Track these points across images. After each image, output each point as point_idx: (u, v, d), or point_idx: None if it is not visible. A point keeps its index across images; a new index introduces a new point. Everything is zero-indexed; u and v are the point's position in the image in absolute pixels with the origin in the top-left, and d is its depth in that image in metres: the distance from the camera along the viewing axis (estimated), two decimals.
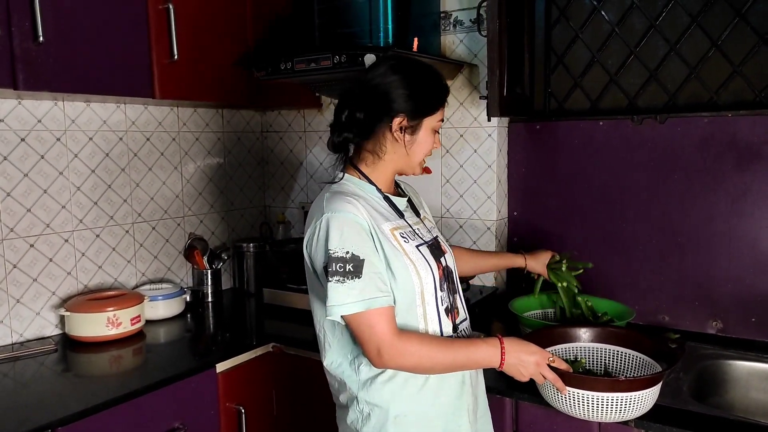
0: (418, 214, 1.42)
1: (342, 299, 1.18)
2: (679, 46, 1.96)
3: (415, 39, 1.98)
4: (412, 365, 1.21)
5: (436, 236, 1.40)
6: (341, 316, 1.20)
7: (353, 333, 1.23)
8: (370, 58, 1.77)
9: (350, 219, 1.21)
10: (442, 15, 2.20)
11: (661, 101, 2.02)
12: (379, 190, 1.33)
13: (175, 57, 1.86)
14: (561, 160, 2.10)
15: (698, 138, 1.86)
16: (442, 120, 1.35)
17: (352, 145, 1.34)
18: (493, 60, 1.84)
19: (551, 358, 1.27)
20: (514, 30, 1.98)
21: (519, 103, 2.08)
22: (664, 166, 1.92)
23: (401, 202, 1.37)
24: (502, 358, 1.24)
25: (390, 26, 1.93)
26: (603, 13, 2.07)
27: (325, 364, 1.35)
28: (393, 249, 1.25)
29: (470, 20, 2.14)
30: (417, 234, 1.34)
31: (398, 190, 1.43)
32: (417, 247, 1.30)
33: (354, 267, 1.18)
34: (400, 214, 1.34)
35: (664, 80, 2.00)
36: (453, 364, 1.24)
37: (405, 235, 1.30)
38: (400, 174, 1.38)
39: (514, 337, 1.29)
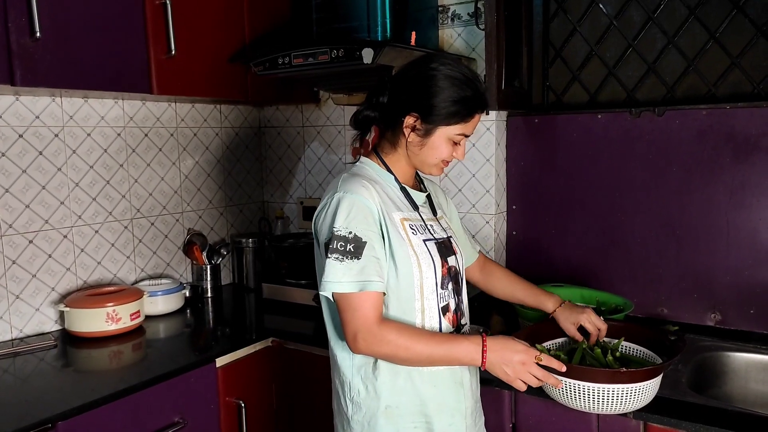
0: (435, 212, 1.42)
1: (338, 277, 1.19)
2: (677, 38, 1.96)
3: (413, 33, 1.98)
4: (387, 354, 1.21)
5: (449, 236, 1.39)
6: (333, 294, 1.21)
7: (338, 313, 1.23)
8: (368, 53, 1.77)
9: (360, 202, 1.23)
10: (440, 9, 2.19)
11: (660, 94, 2.02)
12: (397, 180, 1.34)
13: (173, 52, 1.85)
14: (559, 153, 2.10)
15: (696, 130, 1.86)
16: (466, 135, 1.29)
17: (374, 127, 1.36)
18: (491, 53, 1.84)
19: (539, 356, 1.21)
20: (512, 23, 1.98)
21: (517, 97, 2.08)
22: (663, 159, 1.92)
23: (419, 197, 1.37)
24: (483, 356, 1.20)
25: (388, 20, 1.93)
26: (601, 6, 2.06)
27: (329, 338, 1.35)
28: (399, 238, 1.26)
29: (468, 14, 2.13)
30: (428, 229, 1.34)
31: (421, 186, 1.43)
32: (424, 241, 1.30)
33: (354, 248, 1.19)
34: (416, 208, 1.35)
35: (662, 73, 2.00)
36: (430, 357, 1.21)
37: (414, 228, 1.30)
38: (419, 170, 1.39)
39: (501, 336, 1.25)
